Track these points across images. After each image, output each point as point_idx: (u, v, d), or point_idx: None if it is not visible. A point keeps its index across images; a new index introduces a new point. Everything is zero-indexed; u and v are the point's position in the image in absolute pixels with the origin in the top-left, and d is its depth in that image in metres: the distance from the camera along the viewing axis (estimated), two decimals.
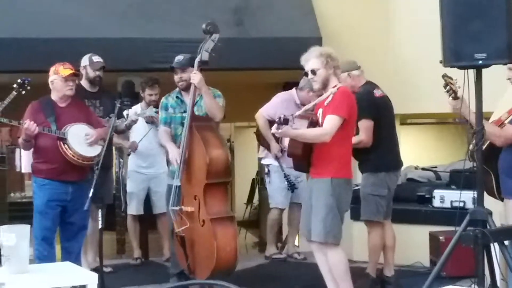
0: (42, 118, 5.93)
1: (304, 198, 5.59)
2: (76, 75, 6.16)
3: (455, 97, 4.91)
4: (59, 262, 5.83)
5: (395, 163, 6.30)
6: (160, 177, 7.42)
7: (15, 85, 6.45)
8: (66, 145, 5.85)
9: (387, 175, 6.12)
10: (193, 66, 6.04)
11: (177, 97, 6.24)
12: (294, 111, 5.71)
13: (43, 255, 5.94)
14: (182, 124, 6.04)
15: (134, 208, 7.64)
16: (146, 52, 7.66)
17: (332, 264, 5.35)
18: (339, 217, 5.30)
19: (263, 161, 7.82)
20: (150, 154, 7.46)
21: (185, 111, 6.06)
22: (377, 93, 6.16)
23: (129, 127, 6.69)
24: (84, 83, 6.91)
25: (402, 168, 8.00)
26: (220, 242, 5.61)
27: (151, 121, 7.28)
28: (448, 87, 4.94)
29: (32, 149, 6.06)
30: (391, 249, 6.35)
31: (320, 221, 5.25)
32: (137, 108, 7.42)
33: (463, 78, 4.60)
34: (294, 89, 7.45)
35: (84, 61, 6.91)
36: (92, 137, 5.91)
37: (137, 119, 6.62)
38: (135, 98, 7.80)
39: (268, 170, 7.72)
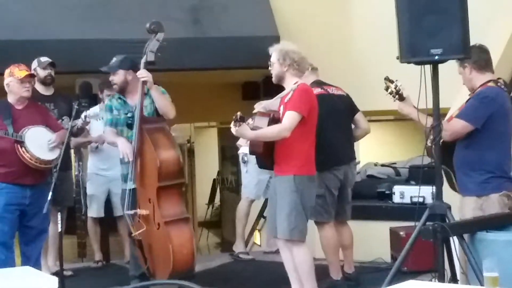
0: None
1: (269, 195, 5.58)
2: (32, 76, 6.10)
3: (401, 98, 4.95)
4: (18, 266, 5.74)
5: (331, 161, 6.07)
6: (118, 180, 7.38)
7: None
8: (23, 148, 5.77)
9: (323, 174, 5.96)
10: (123, 69, 5.97)
11: (119, 98, 6.09)
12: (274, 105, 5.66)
13: (1, 260, 5.85)
14: (128, 126, 5.96)
15: (94, 210, 7.55)
16: (103, 53, 7.58)
17: (297, 262, 5.37)
18: (303, 214, 5.31)
19: (241, 150, 7.63)
20: (109, 156, 7.39)
21: (129, 112, 5.96)
22: (314, 91, 6.09)
23: (81, 129, 6.61)
24: (38, 86, 6.80)
25: (361, 164, 8.06)
26: (176, 245, 5.50)
27: None
28: (389, 90, 4.98)
29: None
30: (349, 247, 6.36)
31: (284, 218, 5.26)
32: (96, 109, 7.35)
33: (419, 73, 4.64)
34: None
35: (33, 64, 6.81)
36: (54, 141, 5.84)
37: (89, 122, 6.55)
38: (93, 99, 7.72)
39: (246, 160, 7.63)
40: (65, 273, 6.12)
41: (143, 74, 5.78)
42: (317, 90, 6.05)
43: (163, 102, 5.91)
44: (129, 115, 5.96)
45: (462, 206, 5.07)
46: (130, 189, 5.79)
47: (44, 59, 6.83)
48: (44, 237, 6.20)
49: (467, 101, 5.12)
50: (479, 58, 5.04)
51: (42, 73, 6.81)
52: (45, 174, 5.94)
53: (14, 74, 5.95)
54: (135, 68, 5.92)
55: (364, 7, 8.17)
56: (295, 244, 5.34)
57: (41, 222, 5.99)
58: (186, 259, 5.56)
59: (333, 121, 6.12)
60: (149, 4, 8.05)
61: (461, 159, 5.08)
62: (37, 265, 5.93)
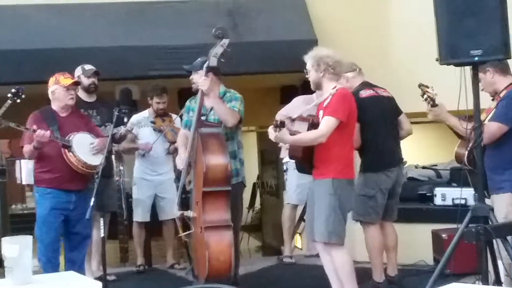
0: (44, 128, 5.90)
1: (308, 199, 5.58)
2: (77, 83, 6.21)
3: (434, 105, 4.95)
4: (63, 272, 5.81)
5: (384, 162, 6.15)
6: (167, 183, 7.47)
7: (9, 95, 6.45)
8: (71, 153, 5.87)
9: (376, 175, 6.05)
10: (204, 74, 5.91)
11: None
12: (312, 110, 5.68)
13: (47, 264, 5.95)
14: None
15: (140, 215, 7.58)
16: (142, 60, 7.67)
17: (337, 265, 5.36)
18: (341, 217, 5.31)
19: (284, 159, 7.80)
20: (157, 162, 7.47)
21: (203, 114, 5.95)
22: (363, 93, 6.12)
23: (124, 136, 6.68)
24: (80, 93, 6.87)
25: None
26: (213, 251, 5.46)
27: (158, 130, 7.30)
28: (425, 96, 4.99)
29: (33, 159, 6.07)
30: (393, 249, 6.34)
31: (323, 221, 5.27)
32: (144, 114, 7.45)
33: (459, 75, 4.61)
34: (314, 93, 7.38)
35: (77, 71, 6.91)
36: (97, 146, 5.93)
37: (131, 129, 6.62)
38: (133, 106, 7.81)
39: (286, 168, 7.78)
40: (108, 277, 6.19)
41: (198, 80, 5.87)
42: (368, 92, 6.12)
43: (221, 109, 5.87)
44: (202, 117, 5.93)
45: (494, 205, 5.03)
46: (181, 190, 5.85)
47: (89, 67, 6.91)
48: (88, 242, 6.28)
49: (496, 104, 5.12)
50: (501, 61, 5.03)
51: (86, 81, 6.89)
52: (88, 180, 6.02)
53: (59, 82, 6.04)
54: (215, 72, 5.93)
55: (401, 9, 8.13)
56: (334, 247, 5.34)
57: (85, 227, 6.07)
58: (222, 267, 5.49)
59: (384, 122, 6.22)
60: (186, 11, 8.11)
61: (493, 159, 5.07)
62: (81, 270, 6.01)
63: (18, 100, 6.50)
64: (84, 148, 5.91)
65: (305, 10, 8.19)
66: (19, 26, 7.68)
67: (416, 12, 7.67)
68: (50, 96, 6.12)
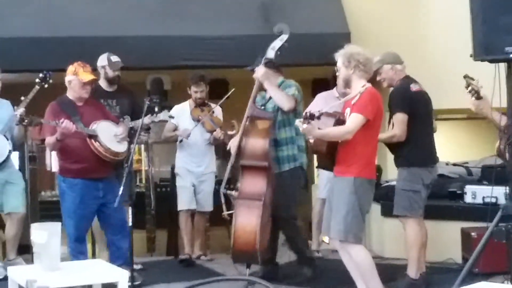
0: (63, 117, 5.94)
1: (327, 196, 5.56)
2: (96, 80, 6.24)
3: (478, 97, 4.89)
4: (90, 259, 5.86)
5: (430, 158, 6.20)
6: (207, 176, 7.48)
7: (37, 80, 6.53)
8: (97, 142, 5.90)
9: (421, 170, 6.05)
10: (262, 65, 6.23)
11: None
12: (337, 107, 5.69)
13: (77, 252, 6.04)
14: None
15: (185, 202, 7.46)
16: (174, 50, 7.69)
17: (357, 262, 5.34)
18: (360, 217, 5.29)
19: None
20: (197, 153, 7.42)
21: (262, 105, 6.31)
22: (413, 87, 6.10)
23: (148, 128, 6.68)
24: (101, 82, 6.88)
25: None
26: (239, 222, 5.86)
27: (196, 119, 7.29)
28: (470, 88, 4.93)
29: (55, 151, 6.18)
30: (424, 245, 6.29)
31: (340, 219, 5.25)
32: (184, 105, 7.44)
33: (493, 72, 4.56)
34: (334, 88, 7.38)
35: (102, 60, 6.86)
36: (122, 134, 6.00)
37: (153, 122, 6.59)
38: (164, 95, 7.81)
39: None
40: (135, 266, 6.19)
41: (256, 72, 6.21)
42: (417, 86, 6.10)
43: (276, 95, 6.16)
44: (262, 108, 6.31)
45: None
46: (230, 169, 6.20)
47: (115, 59, 6.85)
48: (127, 228, 6.18)
49: None
50: None
51: (111, 73, 6.85)
52: (113, 167, 6.10)
53: (78, 74, 6.10)
54: (272, 64, 6.30)
55: (436, 3, 8.06)
56: (351, 246, 5.32)
57: (121, 213, 6.04)
58: (247, 241, 5.82)
59: (429, 118, 6.24)
60: (220, 2, 8.10)
61: None
62: (126, 260, 6.08)
63: (46, 85, 6.57)
64: (109, 136, 5.97)
65: (339, 3, 8.15)
66: (53, 14, 7.73)
67: (451, 6, 7.61)
68: (66, 84, 6.15)
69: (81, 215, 6.04)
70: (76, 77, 6.07)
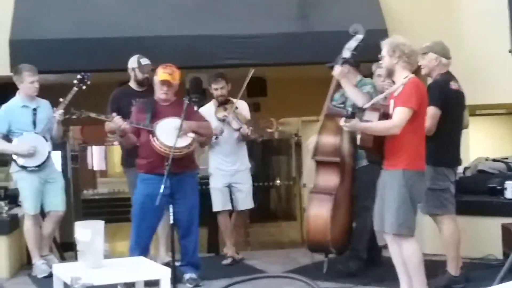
0: (141, 115, 6.13)
1: (378, 189, 5.54)
2: (168, 83, 6.15)
3: None
4: (133, 257, 5.93)
5: (456, 159, 6.16)
6: (242, 173, 7.45)
7: (75, 81, 6.66)
8: (155, 137, 5.97)
9: (446, 170, 5.99)
10: (339, 64, 6.36)
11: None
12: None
13: (135, 249, 6.11)
14: None
15: (219, 204, 7.43)
16: (211, 49, 7.74)
17: (406, 256, 5.33)
18: (412, 209, 5.27)
19: None
20: (228, 152, 7.40)
21: (341, 103, 6.54)
22: (453, 85, 6.04)
23: None
24: (131, 83, 7.02)
25: (472, 159, 7.92)
26: (312, 214, 6.36)
27: (222, 120, 7.29)
28: None
29: (129, 146, 6.36)
30: (460, 242, 6.25)
31: (393, 213, 5.24)
32: (209, 105, 7.44)
33: None
34: None
35: (132, 62, 6.97)
36: (180, 128, 5.92)
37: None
38: (203, 94, 7.86)
39: None
40: (176, 263, 6.25)
41: (334, 71, 6.34)
42: (456, 85, 6.05)
43: (351, 93, 6.28)
44: (341, 105, 6.52)
45: None
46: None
47: (145, 61, 6.95)
48: (195, 228, 6.34)
49: None
50: None
51: (140, 75, 6.95)
52: (184, 163, 6.05)
53: (156, 74, 6.17)
54: (351, 63, 6.52)
55: (473, 0, 8.01)
56: (404, 239, 5.31)
57: (188, 213, 6.16)
58: (320, 231, 6.27)
59: (461, 119, 6.22)
60: (255, 1, 8.15)
61: None
62: (193, 256, 6.31)
63: (84, 87, 6.69)
64: (169, 132, 5.94)
65: (376, 0, 8.14)
66: (90, 15, 7.82)
67: (488, 1, 7.55)
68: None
69: (145, 211, 6.07)
70: (155, 77, 6.16)
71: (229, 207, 7.46)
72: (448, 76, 6.07)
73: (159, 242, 7.13)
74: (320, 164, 6.50)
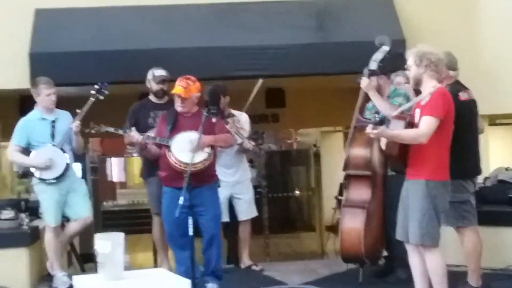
0: (163, 127, 6.18)
1: (401, 199, 5.52)
2: (181, 97, 6.11)
3: None
4: (154, 268, 5.94)
5: (474, 170, 6.11)
6: (243, 184, 7.48)
7: (92, 91, 6.69)
8: (170, 153, 5.99)
9: (465, 182, 5.95)
10: (365, 77, 6.46)
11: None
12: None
13: (177, 262, 6.27)
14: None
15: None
16: (228, 60, 7.76)
17: (430, 267, 5.30)
18: (435, 219, 5.25)
19: None
20: (229, 164, 7.38)
21: (376, 112, 6.31)
22: (462, 96, 5.99)
23: None
24: (151, 96, 7.14)
25: (492, 169, 7.86)
26: (346, 227, 6.41)
27: None
28: None
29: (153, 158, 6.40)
30: (481, 254, 6.22)
31: (416, 223, 5.23)
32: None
33: None
34: None
35: (149, 75, 7.08)
36: (195, 142, 5.88)
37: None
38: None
39: None
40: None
41: (361, 83, 6.44)
42: (465, 95, 5.98)
43: (379, 104, 6.31)
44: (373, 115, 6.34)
45: None
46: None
47: (159, 73, 7.03)
48: (217, 240, 6.31)
49: None
50: None
51: (155, 87, 7.06)
52: (201, 177, 6.00)
53: (175, 87, 6.15)
54: (384, 73, 6.56)
55: (491, 8, 7.99)
56: (428, 249, 5.29)
57: (208, 225, 6.17)
58: (353, 243, 6.33)
59: (474, 128, 6.14)
60: (271, 12, 8.16)
61: None
62: (216, 270, 6.31)
63: (101, 97, 6.73)
64: (184, 147, 5.93)
65: (393, 10, 8.14)
66: (105, 27, 7.90)
67: (506, 11, 7.53)
68: None
69: (170, 221, 6.10)
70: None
71: (227, 219, 7.39)
72: (457, 87, 6.00)
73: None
74: (351, 177, 6.54)
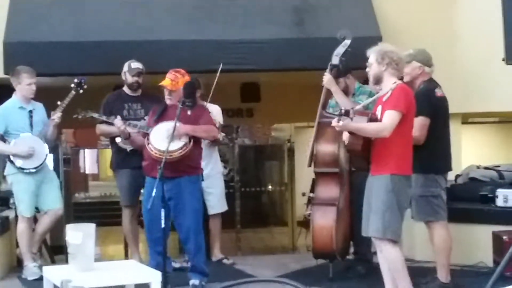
0: (151, 119, 6.26)
1: (365, 195, 5.56)
2: (168, 89, 6.14)
3: None
4: (124, 260, 5.92)
5: (446, 165, 6.18)
6: (213, 177, 7.47)
7: (72, 85, 6.73)
8: (148, 140, 6.00)
9: (437, 177, 6.02)
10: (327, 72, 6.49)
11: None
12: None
13: (151, 253, 6.18)
14: None
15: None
16: (209, 54, 7.74)
17: (389, 261, 5.35)
18: (398, 214, 5.29)
19: None
20: (203, 156, 7.40)
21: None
22: (438, 92, 6.07)
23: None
24: (125, 88, 7.15)
25: (464, 167, 7.94)
26: (317, 225, 6.40)
27: None
28: None
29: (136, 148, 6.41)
30: (450, 249, 6.27)
31: (378, 217, 5.27)
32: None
33: None
34: None
35: (124, 67, 7.08)
36: (170, 130, 5.86)
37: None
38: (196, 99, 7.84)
39: None
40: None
41: (323, 78, 6.48)
42: (441, 92, 6.06)
43: (341, 101, 6.41)
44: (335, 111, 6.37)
45: None
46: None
47: (135, 65, 7.05)
48: (194, 234, 6.20)
49: None
50: None
51: (130, 79, 7.08)
52: (179, 167, 5.99)
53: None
54: (345, 70, 6.62)
55: (469, 7, 8.05)
56: (386, 243, 5.33)
57: (184, 218, 6.11)
58: (325, 241, 6.34)
59: (447, 124, 6.21)
60: (252, 7, 8.16)
61: None
62: (195, 262, 6.24)
63: (81, 91, 6.77)
64: (163, 135, 5.92)
65: (370, 7, 8.16)
66: (88, 18, 7.83)
67: (483, 10, 7.59)
68: None
69: (150, 213, 5.98)
70: None
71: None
72: (432, 84, 6.09)
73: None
74: (320, 174, 6.52)
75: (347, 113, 5.08)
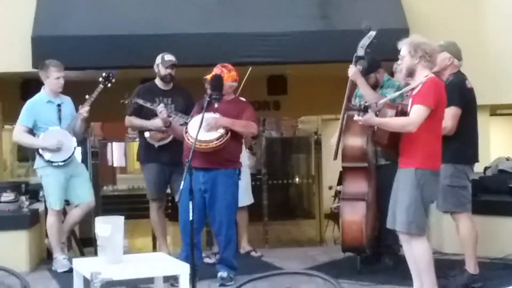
0: (196, 112, 6.23)
1: (393, 188, 5.54)
2: (212, 79, 6.16)
3: None
4: (153, 252, 5.94)
5: (475, 156, 6.14)
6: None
7: (100, 79, 6.77)
8: (186, 128, 6.04)
9: (466, 167, 6.01)
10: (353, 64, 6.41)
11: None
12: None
13: (183, 245, 6.20)
14: None
15: None
16: (232, 47, 7.75)
17: (416, 255, 5.32)
18: (422, 209, 5.25)
19: None
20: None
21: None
22: (468, 84, 6.06)
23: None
24: (157, 81, 7.11)
25: (493, 159, 7.88)
26: (346, 220, 6.34)
27: None
28: None
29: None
30: (477, 241, 6.24)
31: (403, 211, 5.24)
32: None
33: None
34: None
35: (157, 59, 7.05)
36: (209, 122, 5.89)
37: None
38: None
39: None
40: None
41: (348, 71, 6.38)
42: (469, 84, 6.05)
43: (366, 94, 6.35)
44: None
45: None
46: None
47: (168, 57, 7.03)
48: (226, 228, 6.20)
49: None
50: None
51: (163, 71, 7.03)
52: (216, 159, 6.00)
53: None
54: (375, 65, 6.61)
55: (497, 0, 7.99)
56: (413, 238, 5.30)
57: (219, 211, 6.12)
58: (355, 236, 6.29)
59: (476, 116, 6.18)
60: (278, 0, 8.16)
61: None
62: (224, 255, 6.25)
63: (109, 85, 6.82)
64: (202, 125, 5.84)
65: None
66: (117, 12, 7.88)
67: (510, 2, 7.52)
68: None
69: (182, 205, 5.97)
70: None
71: None
72: (462, 76, 6.07)
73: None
74: (348, 169, 6.46)
75: (365, 109, 5.01)
